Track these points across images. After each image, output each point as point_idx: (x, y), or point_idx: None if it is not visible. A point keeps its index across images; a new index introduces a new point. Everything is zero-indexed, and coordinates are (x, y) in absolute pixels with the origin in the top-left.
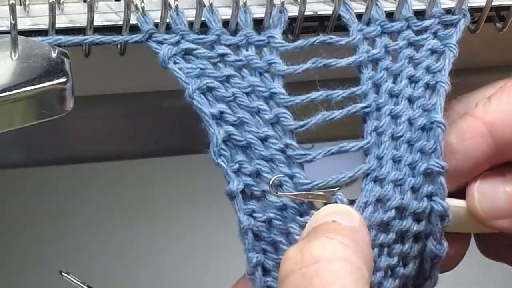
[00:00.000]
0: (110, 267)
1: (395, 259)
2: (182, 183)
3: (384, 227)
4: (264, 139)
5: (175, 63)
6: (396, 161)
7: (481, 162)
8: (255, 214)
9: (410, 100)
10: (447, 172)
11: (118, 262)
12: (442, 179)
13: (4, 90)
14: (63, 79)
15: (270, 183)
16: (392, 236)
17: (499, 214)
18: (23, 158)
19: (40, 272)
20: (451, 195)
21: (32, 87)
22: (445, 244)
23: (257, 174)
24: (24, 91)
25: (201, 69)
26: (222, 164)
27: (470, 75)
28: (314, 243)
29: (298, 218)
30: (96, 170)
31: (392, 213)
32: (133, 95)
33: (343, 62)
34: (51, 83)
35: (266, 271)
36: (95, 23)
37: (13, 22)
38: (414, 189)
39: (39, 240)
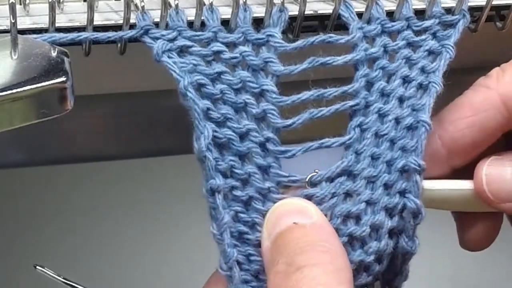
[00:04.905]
0: (110, 266)
1: (372, 257)
2: (182, 183)
3: (354, 218)
4: (245, 134)
5: (169, 57)
6: (375, 158)
7: (496, 133)
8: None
9: (401, 100)
10: (465, 145)
11: (118, 261)
12: (418, 177)
13: (4, 89)
14: (63, 78)
15: (307, 179)
16: (366, 229)
17: (507, 197)
18: (23, 158)
19: (40, 271)
20: (464, 168)
21: (32, 86)
22: (417, 241)
23: (230, 172)
24: (24, 90)
25: (194, 65)
26: (210, 157)
27: (469, 75)
28: (297, 275)
29: (261, 208)
30: (96, 170)
31: (362, 206)
32: (133, 95)
33: (340, 60)
34: (51, 82)
35: (239, 266)
36: (95, 22)
37: (13, 21)
38: (387, 186)
39: (39, 240)
